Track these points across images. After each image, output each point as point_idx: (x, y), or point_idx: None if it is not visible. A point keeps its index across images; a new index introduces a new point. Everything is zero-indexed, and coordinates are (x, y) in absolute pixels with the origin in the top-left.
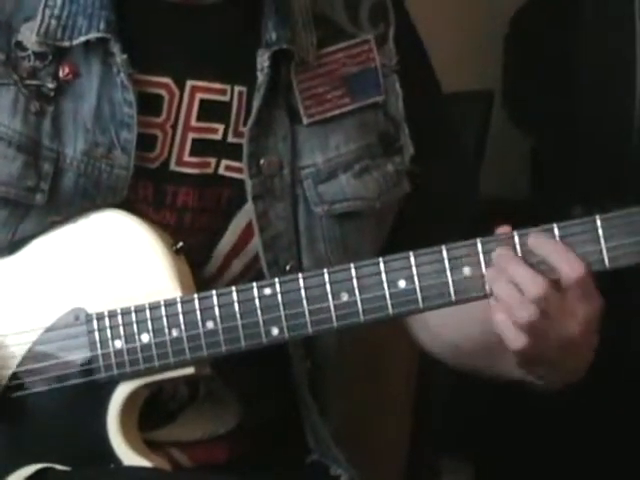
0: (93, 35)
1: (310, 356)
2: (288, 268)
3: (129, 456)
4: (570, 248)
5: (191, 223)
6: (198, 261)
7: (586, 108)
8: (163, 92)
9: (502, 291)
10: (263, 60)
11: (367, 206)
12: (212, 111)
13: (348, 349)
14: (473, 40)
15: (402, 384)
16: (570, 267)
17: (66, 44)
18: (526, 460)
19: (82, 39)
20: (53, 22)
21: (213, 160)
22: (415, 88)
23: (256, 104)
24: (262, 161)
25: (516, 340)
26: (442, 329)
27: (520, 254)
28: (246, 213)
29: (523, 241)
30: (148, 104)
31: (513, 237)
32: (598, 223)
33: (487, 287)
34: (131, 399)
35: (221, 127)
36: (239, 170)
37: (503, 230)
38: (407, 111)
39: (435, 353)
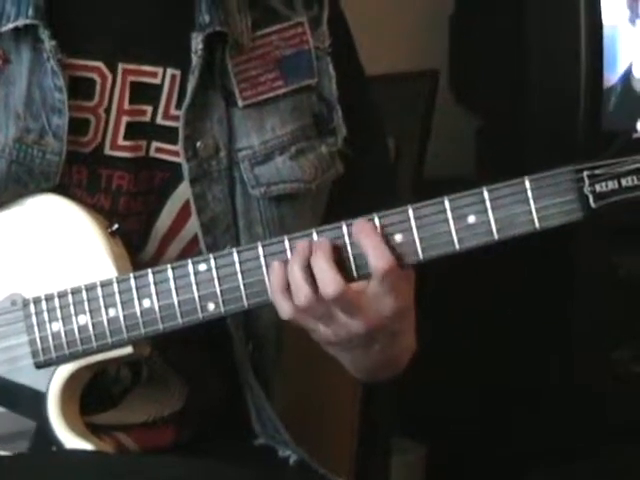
0: (21, 22)
1: (251, 339)
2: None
3: (70, 439)
4: (385, 240)
5: (126, 207)
6: (135, 245)
7: (534, 89)
8: (95, 76)
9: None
10: (197, 43)
11: (303, 188)
12: (142, 93)
13: (292, 331)
14: (419, 19)
15: None
16: (377, 260)
17: None
18: (477, 439)
19: (10, 26)
20: None
21: (144, 142)
22: (345, 71)
23: (190, 87)
24: (198, 144)
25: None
26: None
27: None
28: (181, 195)
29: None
30: (80, 88)
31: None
32: (527, 184)
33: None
34: (71, 382)
35: (149, 108)
36: (171, 152)
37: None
38: (339, 93)
39: None
